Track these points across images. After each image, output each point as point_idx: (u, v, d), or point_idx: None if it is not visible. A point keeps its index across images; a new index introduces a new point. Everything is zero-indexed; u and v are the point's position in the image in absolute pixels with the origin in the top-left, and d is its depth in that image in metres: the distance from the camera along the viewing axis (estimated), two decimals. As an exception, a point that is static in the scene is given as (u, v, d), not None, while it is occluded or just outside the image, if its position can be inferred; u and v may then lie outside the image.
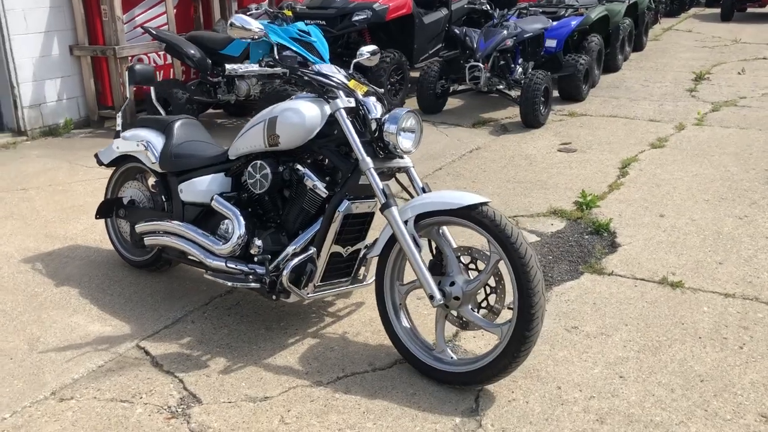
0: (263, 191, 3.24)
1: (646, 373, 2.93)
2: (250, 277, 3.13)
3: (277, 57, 3.22)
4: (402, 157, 3.13)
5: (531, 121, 6.94)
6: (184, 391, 2.88)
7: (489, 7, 7.81)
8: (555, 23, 8.00)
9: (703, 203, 4.80)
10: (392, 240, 2.95)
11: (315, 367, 3.03)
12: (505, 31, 7.22)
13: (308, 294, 3.13)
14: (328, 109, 3.09)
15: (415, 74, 8.22)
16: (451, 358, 2.92)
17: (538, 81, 6.87)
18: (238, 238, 3.21)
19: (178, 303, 3.59)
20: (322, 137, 3.13)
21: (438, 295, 2.76)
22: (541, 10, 8.46)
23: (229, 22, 3.08)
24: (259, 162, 3.23)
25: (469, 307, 2.87)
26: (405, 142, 3.03)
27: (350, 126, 3.01)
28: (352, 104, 3.07)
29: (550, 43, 7.85)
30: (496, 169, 5.71)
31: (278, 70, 3.13)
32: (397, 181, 3.24)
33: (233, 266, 3.21)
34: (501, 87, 7.42)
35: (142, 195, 3.85)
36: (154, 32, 6.77)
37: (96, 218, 3.87)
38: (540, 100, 6.86)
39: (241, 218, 3.24)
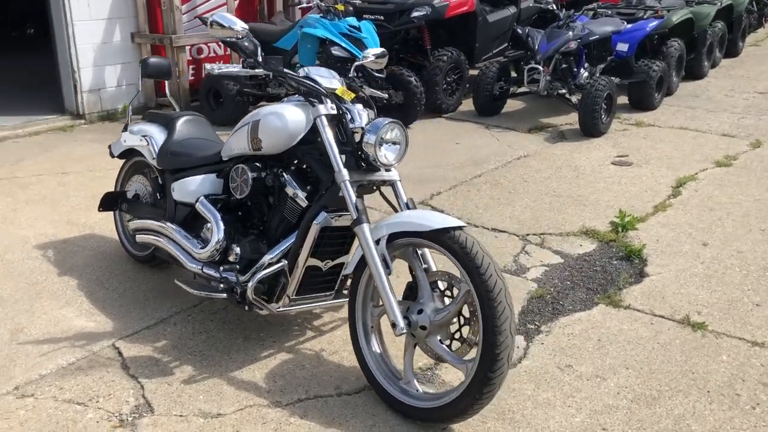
0: (244, 196, 3.11)
1: (634, 428, 2.62)
2: (221, 285, 3.02)
3: (261, 58, 3.04)
4: (388, 170, 2.93)
5: (590, 129, 6.53)
6: (142, 398, 2.80)
7: (555, 7, 7.40)
8: (629, 26, 7.49)
9: (757, 233, 4.33)
10: (365, 258, 2.77)
11: (279, 386, 2.89)
12: (570, 33, 6.82)
13: (278, 308, 2.99)
14: (312, 115, 2.92)
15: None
16: (417, 390, 2.70)
17: (600, 87, 6.45)
18: (216, 242, 3.10)
19: (168, 302, 3.53)
20: (306, 144, 2.98)
21: (401, 323, 2.55)
22: (617, 11, 7.96)
23: (210, 20, 2.96)
24: (241, 166, 3.11)
25: (438, 338, 2.64)
26: (387, 154, 2.82)
27: (329, 134, 2.84)
28: (335, 111, 2.89)
29: (622, 47, 7.37)
30: (538, 179, 5.39)
31: (259, 72, 2.97)
32: (382, 195, 3.04)
33: (208, 272, 3.11)
34: (562, 91, 7.03)
35: (146, 190, 3.81)
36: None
37: (99, 210, 3.87)
38: (601, 108, 6.44)
39: (221, 223, 3.13)
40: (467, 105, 7.54)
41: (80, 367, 3.01)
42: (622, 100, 7.34)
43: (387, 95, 3.44)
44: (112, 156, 4.00)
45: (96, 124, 7.08)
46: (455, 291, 2.68)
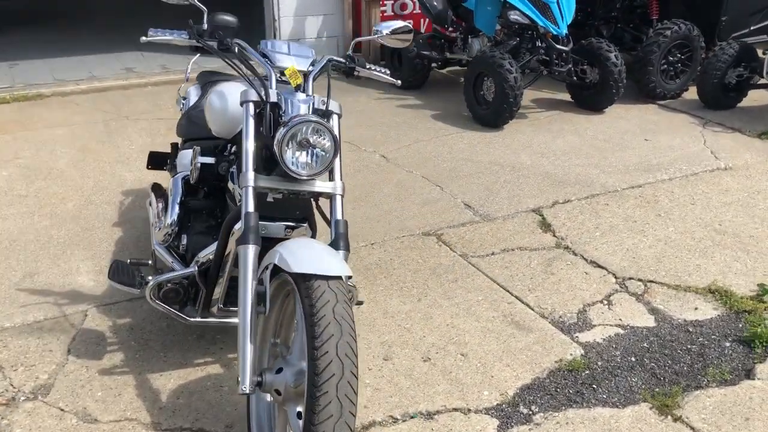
0: (196, 183, 2.74)
1: None
2: (137, 280, 2.71)
3: (205, 26, 2.54)
4: (332, 179, 2.33)
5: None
6: (53, 378, 2.67)
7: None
8: None
9: None
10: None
11: (173, 406, 2.53)
12: None
13: (193, 318, 2.60)
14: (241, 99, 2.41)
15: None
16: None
17: None
18: (168, 226, 2.79)
19: (173, 276, 3.35)
20: None
21: (246, 383, 1.98)
22: None
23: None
24: (196, 147, 2.73)
25: (297, 408, 2.03)
26: (299, 159, 2.21)
27: (250, 126, 2.31)
28: (272, 99, 2.34)
29: None
30: (713, 204, 4.10)
31: (192, 42, 2.50)
32: (319, 209, 2.44)
33: (160, 254, 2.81)
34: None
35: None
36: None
37: (147, 168, 3.80)
38: None
39: (177, 206, 2.80)
40: (694, 92, 6.09)
41: (41, 328, 2.97)
42: None
43: (395, 79, 2.71)
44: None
45: (290, 73, 7.15)
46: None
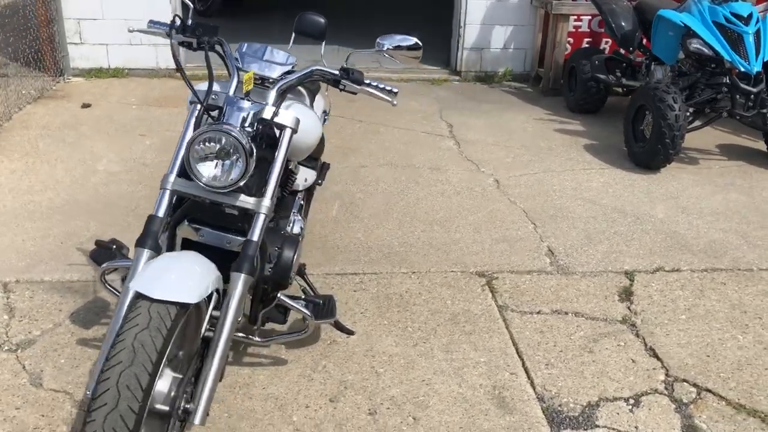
0: None
1: None
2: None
3: (190, 21, 2.44)
4: (253, 194, 2.15)
5: None
6: (37, 336, 2.83)
7: None
8: None
9: None
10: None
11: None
12: None
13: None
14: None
15: None
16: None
17: None
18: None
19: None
20: None
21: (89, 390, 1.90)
22: None
23: None
24: None
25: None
26: (205, 167, 2.06)
27: (189, 127, 2.22)
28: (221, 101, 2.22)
29: None
30: None
31: (173, 36, 2.41)
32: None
33: None
34: None
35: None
36: (592, -7, 5.79)
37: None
38: None
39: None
40: None
41: (69, 288, 3.16)
42: None
43: (389, 97, 2.34)
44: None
45: (468, 83, 6.92)
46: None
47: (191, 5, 2.44)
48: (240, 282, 2.05)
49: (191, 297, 1.79)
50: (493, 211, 4.06)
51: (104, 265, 2.58)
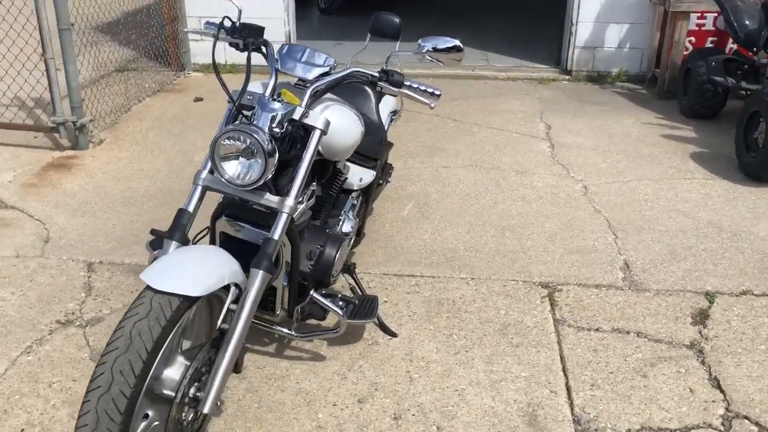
0: None
1: None
2: None
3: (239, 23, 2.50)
4: (279, 192, 2.20)
5: None
6: (106, 315, 3.04)
7: None
8: None
9: None
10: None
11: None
12: None
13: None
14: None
15: None
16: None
17: None
18: None
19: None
20: None
21: None
22: None
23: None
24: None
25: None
26: (227, 167, 2.12)
27: (222, 126, 2.29)
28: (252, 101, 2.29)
29: None
30: None
31: (225, 39, 2.50)
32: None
33: None
34: None
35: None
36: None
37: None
38: None
39: None
40: None
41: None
42: None
43: (429, 100, 2.25)
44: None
45: (578, 83, 6.64)
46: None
47: (239, 8, 2.52)
48: (257, 279, 2.10)
49: (195, 290, 1.85)
50: (573, 219, 3.89)
51: (154, 253, 2.73)
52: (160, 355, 1.80)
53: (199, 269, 1.93)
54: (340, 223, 2.86)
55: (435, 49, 2.41)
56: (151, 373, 1.83)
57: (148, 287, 1.84)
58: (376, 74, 2.41)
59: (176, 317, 1.83)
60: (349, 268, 2.95)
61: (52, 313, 3.02)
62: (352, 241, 3.00)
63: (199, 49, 6.95)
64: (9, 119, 4.89)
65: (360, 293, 2.94)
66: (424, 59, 2.48)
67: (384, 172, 3.45)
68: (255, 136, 2.07)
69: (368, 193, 3.22)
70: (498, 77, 6.76)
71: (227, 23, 2.47)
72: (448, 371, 2.67)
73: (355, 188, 3.00)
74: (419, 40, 2.46)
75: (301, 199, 2.48)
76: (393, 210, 3.98)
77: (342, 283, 3.12)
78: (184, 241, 2.20)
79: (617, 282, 3.28)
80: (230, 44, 2.53)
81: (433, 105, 2.39)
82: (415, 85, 2.43)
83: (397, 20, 3.27)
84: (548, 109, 5.84)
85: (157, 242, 2.89)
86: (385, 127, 3.30)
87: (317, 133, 2.27)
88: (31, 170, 4.52)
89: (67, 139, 4.89)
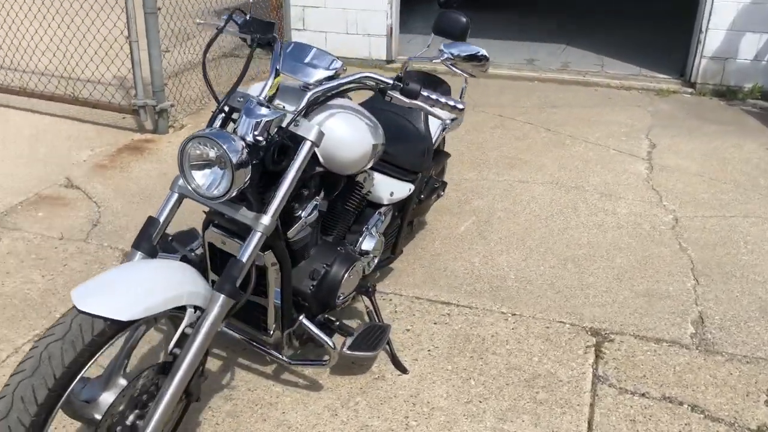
0: None
1: None
2: None
3: (249, 17, 2.28)
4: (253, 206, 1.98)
5: None
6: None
7: None
8: None
9: None
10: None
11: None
12: None
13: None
14: (231, 99, 2.18)
15: None
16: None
17: None
18: None
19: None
20: None
21: None
22: None
23: None
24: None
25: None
26: (195, 174, 1.91)
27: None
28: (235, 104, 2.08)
29: None
30: None
31: (234, 32, 2.29)
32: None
33: None
34: None
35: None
36: None
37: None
38: None
39: None
40: None
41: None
42: None
43: (444, 115, 1.90)
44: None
45: (701, 98, 5.94)
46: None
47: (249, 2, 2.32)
48: (217, 303, 1.89)
49: (123, 314, 1.66)
50: (651, 256, 3.39)
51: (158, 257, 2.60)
52: (78, 379, 1.63)
53: (139, 289, 1.74)
54: (360, 240, 2.61)
55: (456, 57, 2.08)
56: (81, 397, 1.67)
57: (74, 306, 1.68)
58: (390, 81, 2.13)
59: (99, 342, 1.65)
60: (368, 290, 2.68)
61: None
62: (375, 261, 2.73)
63: (303, 39, 6.88)
64: (107, 99, 5.00)
65: (375, 320, 2.68)
66: (451, 68, 2.17)
67: (429, 186, 3.14)
68: (223, 145, 1.85)
69: (405, 208, 2.93)
70: (611, 85, 6.18)
71: (238, 16, 2.27)
72: (451, 423, 2.35)
73: (385, 202, 2.73)
74: (441, 46, 2.15)
75: (298, 214, 2.25)
76: (449, 225, 3.66)
77: (361, 305, 2.86)
78: (152, 252, 2.03)
79: (684, 338, 2.80)
80: (242, 39, 2.33)
81: (448, 122, 2.09)
82: (434, 96, 2.12)
83: (464, 20, 2.97)
84: (659, 124, 5.25)
85: (167, 246, 2.77)
86: (433, 138, 2.99)
87: (307, 145, 2.02)
88: (108, 150, 4.60)
89: (150, 122, 4.95)
